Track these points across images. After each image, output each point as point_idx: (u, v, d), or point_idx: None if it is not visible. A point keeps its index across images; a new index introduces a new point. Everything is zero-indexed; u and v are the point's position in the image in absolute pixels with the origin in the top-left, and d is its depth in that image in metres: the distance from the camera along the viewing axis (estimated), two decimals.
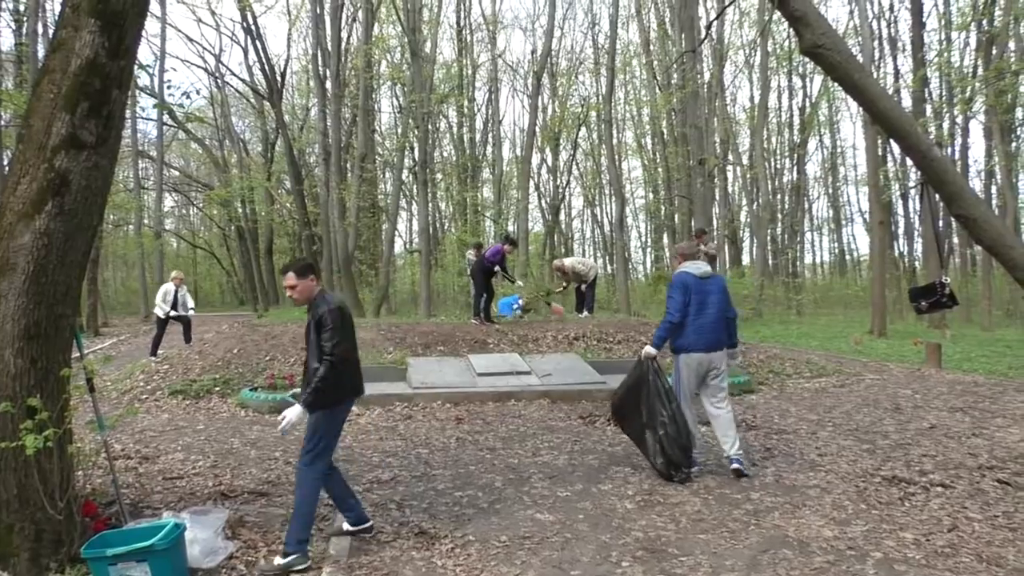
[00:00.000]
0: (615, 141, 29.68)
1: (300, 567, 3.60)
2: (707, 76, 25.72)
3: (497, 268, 11.72)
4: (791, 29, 5.56)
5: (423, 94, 19.66)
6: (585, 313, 12.81)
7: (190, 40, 43.86)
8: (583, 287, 13.20)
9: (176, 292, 11.66)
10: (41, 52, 17.13)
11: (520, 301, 13.59)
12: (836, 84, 6.14)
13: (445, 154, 35.31)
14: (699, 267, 5.49)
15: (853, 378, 9.65)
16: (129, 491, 4.76)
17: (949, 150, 22.40)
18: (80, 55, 3.40)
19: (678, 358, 5.44)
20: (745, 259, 32.33)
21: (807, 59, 6.29)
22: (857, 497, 4.73)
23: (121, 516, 3.96)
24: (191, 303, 12.05)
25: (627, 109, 35.81)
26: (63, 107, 3.40)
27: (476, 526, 4.32)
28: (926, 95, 22.18)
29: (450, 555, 3.87)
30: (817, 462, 5.62)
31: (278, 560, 3.62)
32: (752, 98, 34.18)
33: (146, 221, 30.25)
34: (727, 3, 20.90)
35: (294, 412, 3.72)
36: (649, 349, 5.40)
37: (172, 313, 11.56)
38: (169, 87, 21.02)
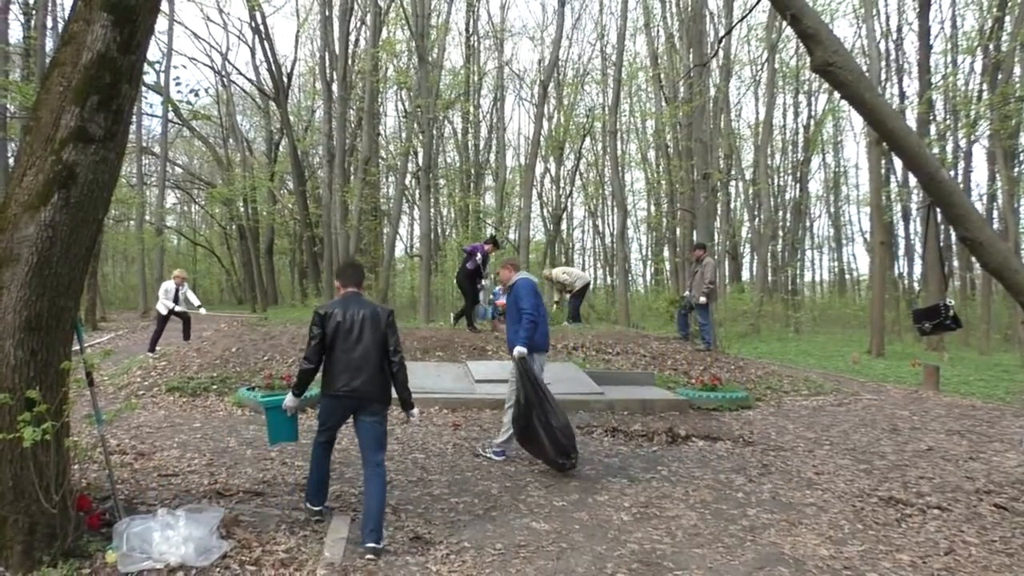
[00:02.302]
0: (619, 152, 29.72)
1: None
2: (713, 91, 25.78)
3: (473, 265, 11.07)
4: (802, 46, 5.57)
5: (429, 99, 19.67)
6: (567, 323, 12.77)
7: (197, 38, 44.29)
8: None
9: (177, 290, 11.62)
10: (49, 46, 17.19)
11: (501, 300, 13.51)
12: (843, 102, 6.16)
13: (449, 160, 35.36)
14: (533, 276, 6.16)
15: (851, 397, 9.64)
16: (124, 486, 4.74)
17: (952, 173, 22.44)
18: (91, 49, 3.40)
19: (531, 356, 5.75)
20: (745, 275, 32.34)
21: (813, 77, 6.31)
22: (854, 517, 4.72)
23: (116, 511, 3.93)
24: (196, 301, 11.93)
25: (632, 121, 35.87)
26: (72, 100, 3.40)
27: (471, 533, 4.30)
28: (931, 117, 22.26)
29: (445, 561, 3.86)
30: (814, 480, 5.60)
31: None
32: (757, 114, 34.26)
33: (148, 217, 30.23)
34: (736, 21, 20.96)
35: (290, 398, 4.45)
36: (521, 349, 5.67)
37: (177, 309, 11.54)
38: (178, 83, 21.06)
